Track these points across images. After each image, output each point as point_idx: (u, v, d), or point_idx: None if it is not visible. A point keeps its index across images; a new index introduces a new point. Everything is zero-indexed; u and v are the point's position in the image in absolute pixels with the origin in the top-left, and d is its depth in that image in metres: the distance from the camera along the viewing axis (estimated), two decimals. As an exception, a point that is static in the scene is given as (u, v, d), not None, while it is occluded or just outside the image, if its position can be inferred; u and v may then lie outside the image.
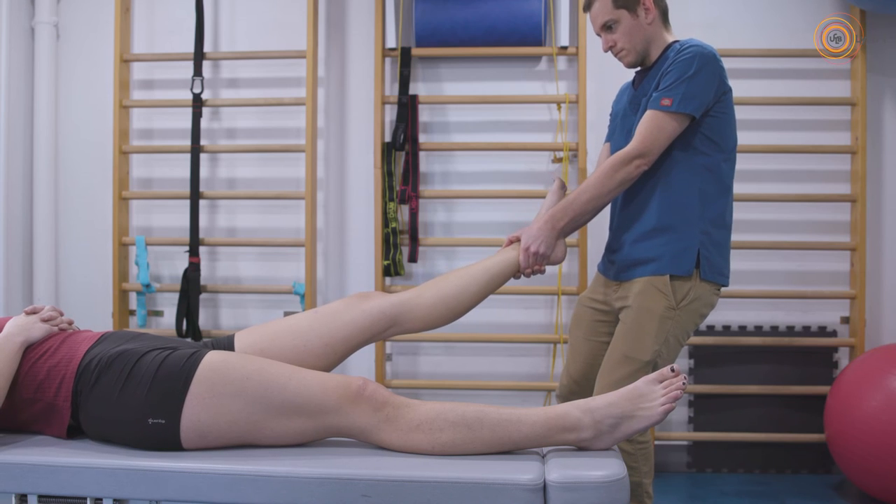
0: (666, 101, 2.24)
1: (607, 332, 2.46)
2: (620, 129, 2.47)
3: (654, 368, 2.29)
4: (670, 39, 2.41)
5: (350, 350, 1.95)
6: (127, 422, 1.70)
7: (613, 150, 2.47)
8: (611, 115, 2.62)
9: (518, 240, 2.29)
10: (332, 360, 1.93)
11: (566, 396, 2.55)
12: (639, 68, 2.46)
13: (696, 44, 2.31)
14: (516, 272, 2.24)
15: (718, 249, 2.34)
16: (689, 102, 2.24)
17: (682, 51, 2.30)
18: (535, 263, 2.25)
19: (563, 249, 2.34)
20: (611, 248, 2.47)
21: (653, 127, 2.25)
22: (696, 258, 2.29)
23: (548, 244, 2.26)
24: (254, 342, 1.91)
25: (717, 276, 2.34)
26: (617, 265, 2.42)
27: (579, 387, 2.52)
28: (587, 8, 2.42)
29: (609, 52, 2.44)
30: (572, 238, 3.61)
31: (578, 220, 2.35)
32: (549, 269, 3.63)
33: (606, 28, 2.39)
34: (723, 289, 3.60)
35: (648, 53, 2.40)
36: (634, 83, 2.49)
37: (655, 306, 2.28)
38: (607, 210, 2.53)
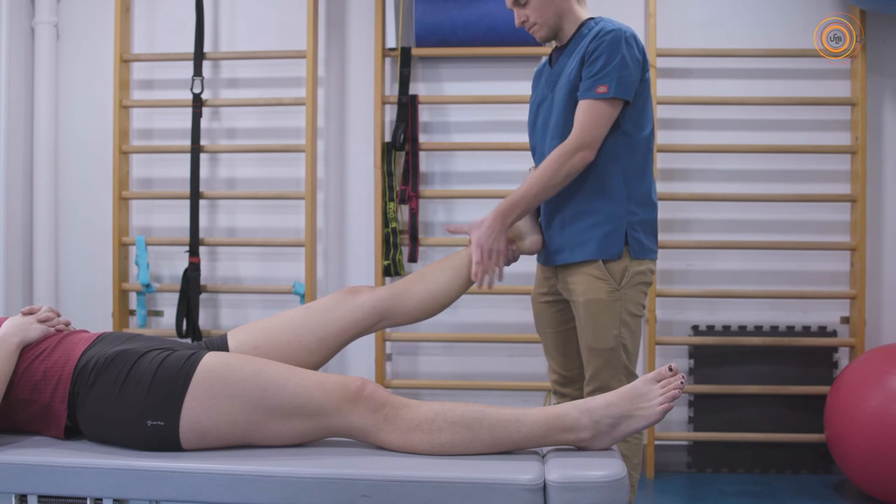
0: (602, 89, 2.23)
1: (569, 318, 2.46)
2: (544, 111, 2.43)
3: (624, 350, 2.31)
4: (584, 15, 2.39)
5: (342, 344, 1.97)
6: (125, 423, 1.70)
7: (538, 137, 2.45)
8: (530, 104, 2.55)
9: (465, 231, 2.28)
10: (325, 354, 1.95)
11: (559, 391, 2.56)
12: (554, 45, 2.45)
13: (615, 26, 2.28)
14: (472, 274, 2.21)
15: (645, 228, 2.34)
16: (623, 88, 2.24)
17: (604, 33, 2.26)
18: (488, 259, 2.22)
19: (538, 237, 2.37)
20: (543, 232, 2.45)
21: (591, 115, 2.24)
22: (623, 239, 2.30)
23: (500, 240, 2.25)
24: (247, 339, 1.91)
25: (646, 252, 2.34)
26: (547, 249, 2.41)
27: (565, 379, 2.53)
28: None
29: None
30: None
31: (527, 213, 2.34)
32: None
33: (517, 3, 2.38)
34: (723, 289, 3.62)
35: (561, 28, 2.38)
36: (551, 61, 2.46)
37: (599, 294, 2.29)
38: None
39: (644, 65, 2.31)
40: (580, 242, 2.31)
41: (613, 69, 2.22)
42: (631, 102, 2.28)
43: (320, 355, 1.94)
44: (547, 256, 2.42)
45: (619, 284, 2.29)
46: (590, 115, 2.24)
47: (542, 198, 2.30)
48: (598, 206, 2.31)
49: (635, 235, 2.31)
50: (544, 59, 2.55)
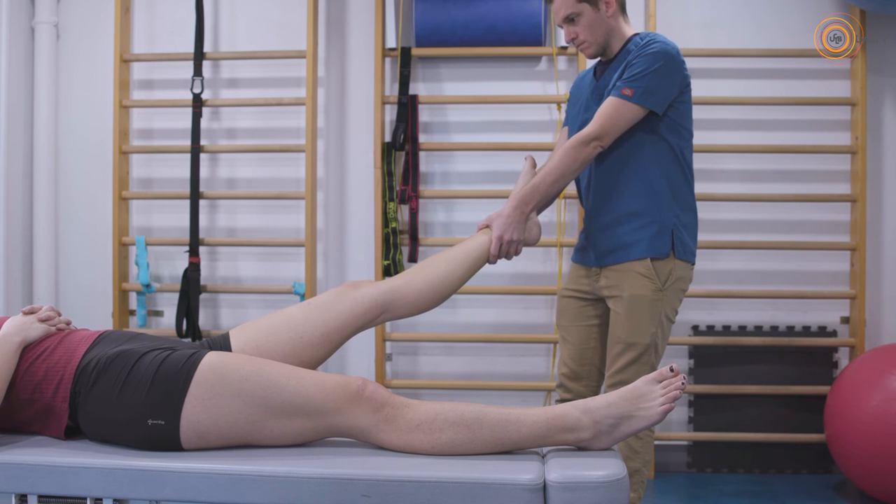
0: (627, 91, 2.34)
1: (594, 315, 2.56)
2: (583, 118, 2.53)
3: (655, 349, 2.41)
4: (630, 32, 2.50)
5: (345, 338, 1.97)
6: (126, 423, 1.70)
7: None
8: (569, 100, 2.71)
9: (488, 226, 2.34)
10: (328, 349, 1.95)
11: (566, 385, 2.61)
12: (600, 59, 2.55)
13: (660, 39, 2.40)
14: (491, 258, 2.29)
15: (687, 230, 2.47)
16: (649, 97, 2.35)
17: (647, 44, 2.38)
18: (507, 249, 2.32)
19: (537, 231, 2.42)
20: (587, 235, 2.55)
21: (612, 112, 2.36)
22: (671, 240, 2.41)
23: (518, 230, 2.33)
24: (250, 338, 1.91)
25: (689, 254, 2.47)
26: (596, 251, 2.50)
27: (575, 374, 2.59)
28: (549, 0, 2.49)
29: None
30: (571, 238, 3.62)
31: (544, 202, 2.46)
32: (551, 269, 3.65)
33: (569, 20, 2.46)
34: (723, 289, 3.62)
35: (609, 45, 2.49)
36: (596, 74, 2.56)
37: (644, 292, 2.39)
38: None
39: (684, 79, 2.43)
40: (630, 243, 2.42)
41: (645, 77, 2.34)
42: (668, 109, 2.40)
43: (323, 350, 1.94)
44: (596, 258, 2.50)
45: (663, 285, 2.40)
46: (610, 112, 2.36)
47: (559, 186, 2.42)
48: (646, 208, 2.41)
49: (680, 237, 2.43)
50: (584, 71, 2.69)
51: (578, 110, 2.58)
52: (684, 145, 2.47)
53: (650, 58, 2.35)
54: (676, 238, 2.41)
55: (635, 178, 2.42)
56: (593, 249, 2.51)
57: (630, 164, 2.43)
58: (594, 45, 2.47)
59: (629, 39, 2.47)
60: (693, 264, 2.50)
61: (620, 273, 2.43)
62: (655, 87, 2.34)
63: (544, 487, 1.57)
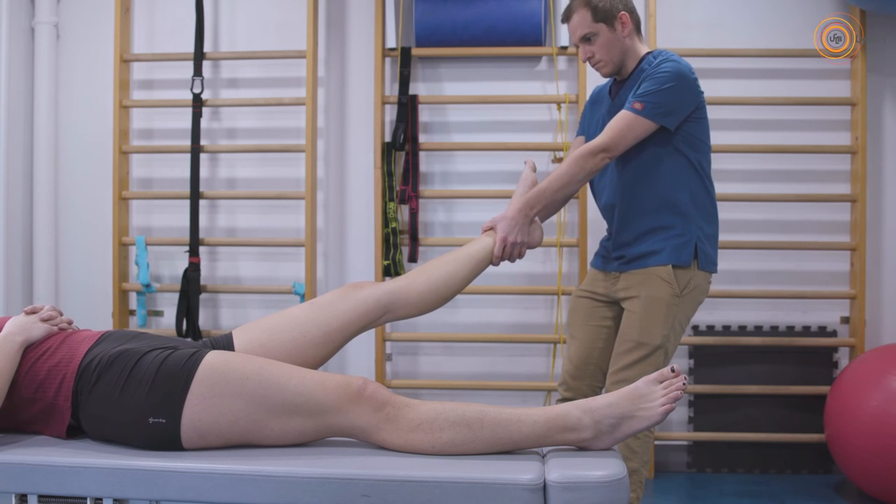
0: (637, 105, 2.40)
1: (605, 317, 2.62)
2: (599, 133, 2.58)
3: (664, 352, 2.45)
4: (643, 51, 2.56)
5: (347, 338, 1.98)
6: (127, 421, 1.70)
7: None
8: (583, 111, 2.77)
9: (493, 228, 2.35)
10: (330, 349, 1.95)
11: (568, 383, 2.65)
12: (615, 78, 2.61)
13: (673, 58, 2.46)
14: (494, 259, 2.29)
15: (710, 241, 2.52)
16: (659, 112, 2.40)
17: (661, 63, 2.44)
18: (511, 251, 2.32)
19: (539, 233, 2.44)
20: (614, 247, 2.59)
21: (622, 126, 2.41)
22: (694, 251, 2.47)
23: (523, 232, 2.34)
24: (253, 337, 1.91)
25: (710, 265, 2.53)
26: (622, 260, 2.55)
27: (579, 372, 2.64)
28: (565, 19, 2.56)
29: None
30: (571, 238, 3.62)
31: (550, 207, 2.50)
32: (551, 269, 3.65)
33: (585, 40, 2.52)
34: (723, 289, 3.63)
35: (624, 64, 2.55)
36: (611, 93, 2.62)
37: (662, 294, 2.44)
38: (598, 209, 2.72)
39: (696, 97, 2.47)
40: (655, 251, 2.48)
41: (656, 94, 2.39)
42: (684, 125, 2.44)
43: (326, 350, 1.95)
44: (620, 265, 2.55)
45: (681, 291, 2.46)
46: (620, 125, 2.41)
47: (564, 193, 2.46)
48: (671, 221, 2.48)
49: (703, 248, 2.49)
50: (600, 85, 2.75)
51: (596, 127, 2.62)
52: (702, 157, 2.51)
53: (663, 76, 2.41)
54: (700, 249, 2.47)
55: (658, 196, 2.48)
56: (616, 259, 2.57)
57: (651, 180, 2.48)
58: (610, 63, 2.53)
59: (643, 58, 2.53)
60: (713, 273, 2.55)
61: (641, 276, 2.48)
62: (666, 104, 2.39)
63: (544, 487, 1.57)
